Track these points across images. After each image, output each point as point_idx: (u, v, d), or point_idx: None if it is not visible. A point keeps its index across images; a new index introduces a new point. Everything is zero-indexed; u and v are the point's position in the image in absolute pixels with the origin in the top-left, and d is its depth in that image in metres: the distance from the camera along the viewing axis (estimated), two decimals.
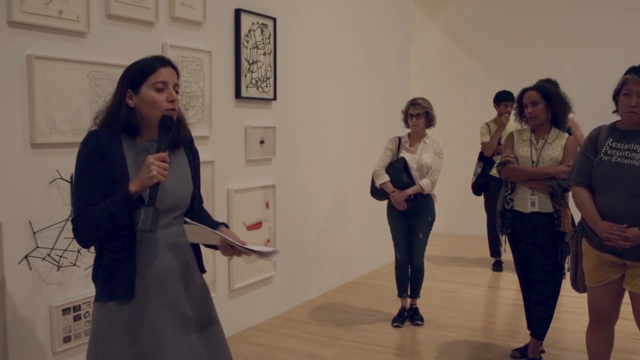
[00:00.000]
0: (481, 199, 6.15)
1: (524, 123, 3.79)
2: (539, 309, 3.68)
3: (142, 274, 1.97)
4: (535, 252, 3.60)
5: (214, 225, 2.18)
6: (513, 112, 3.89)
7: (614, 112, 2.95)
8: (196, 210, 2.19)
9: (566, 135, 3.64)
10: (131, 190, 1.87)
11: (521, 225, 3.63)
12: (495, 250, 6.22)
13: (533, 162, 3.60)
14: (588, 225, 2.92)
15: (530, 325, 3.80)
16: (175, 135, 2.07)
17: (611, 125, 2.95)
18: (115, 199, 1.88)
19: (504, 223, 3.71)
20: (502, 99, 5.77)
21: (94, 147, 1.94)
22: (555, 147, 3.58)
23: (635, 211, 2.73)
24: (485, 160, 5.88)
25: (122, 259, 1.95)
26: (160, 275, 2.00)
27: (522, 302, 3.88)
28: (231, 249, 2.07)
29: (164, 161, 1.89)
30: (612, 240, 2.75)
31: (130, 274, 1.95)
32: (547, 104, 3.58)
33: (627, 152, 2.80)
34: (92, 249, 2.05)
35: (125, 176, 1.93)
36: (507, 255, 6.09)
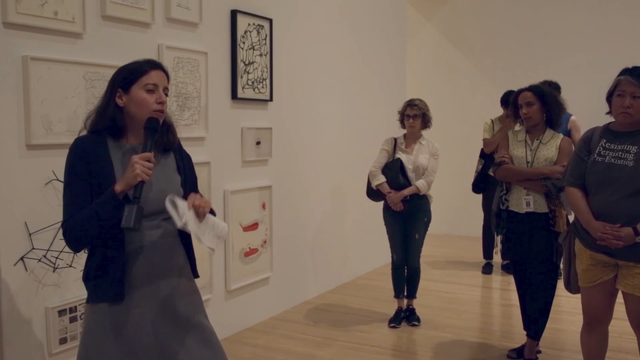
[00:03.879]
0: (478, 199, 6.14)
1: (519, 123, 3.81)
2: (535, 309, 3.68)
3: (131, 274, 1.99)
4: (531, 252, 3.61)
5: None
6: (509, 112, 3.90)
7: (608, 113, 2.96)
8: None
9: (561, 135, 3.66)
10: (116, 190, 1.89)
11: (516, 226, 3.64)
12: (488, 253, 6.21)
13: (528, 162, 3.61)
14: (581, 226, 2.93)
15: (526, 326, 3.81)
16: (165, 140, 2.11)
17: (605, 127, 2.97)
18: (101, 199, 1.90)
19: (499, 223, 3.73)
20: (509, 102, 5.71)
21: (80, 152, 1.98)
22: (550, 147, 3.59)
23: (628, 211, 2.74)
24: (486, 157, 5.86)
25: (111, 260, 1.97)
26: (150, 276, 2.02)
27: (518, 303, 3.89)
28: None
29: (149, 161, 1.91)
30: (605, 239, 2.76)
31: (120, 275, 1.97)
32: (542, 105, 3.59)
33: (620, 152, 2.81)
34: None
35: (112, 179, 1.95)
36: (497, 257, 6.15)
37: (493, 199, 6.29)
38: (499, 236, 3.90)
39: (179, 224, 1.93)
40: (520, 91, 3.67)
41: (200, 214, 1.98)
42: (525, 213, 3.59)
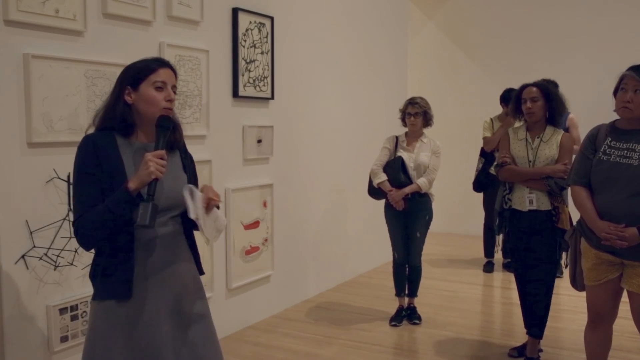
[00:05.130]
0: (479, 198, 6.14)
1: (519, 119, 3.80)
2: (535, 307, 3.68)
3: (138, 271, 2.00)
4: (533, 249, 3.61)
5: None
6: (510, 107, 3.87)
7: (615, 110, 2.94)
8: None
9: (561, 131, 3.65)
10: (130, 187, 1.90)
11: (519, 224, 3.64)
12: (489, 251, 6.21)
13: (530, 161, 3.61)
14: (586, 225, 2.92)
15: (527, 325, 3.81)
16: (171, 138, 2.12)
17: (610, 124, 2.95)
18: (114, 197, 1.90)
19: (501, 222, 3.72)
20: (510, 99, 5.69)
21: (90, 150, 1.98)
22: (551, 145, 3.59)
23: (633, 210, 2.72)
24: (486, 156, 5.86)
25: (120, 257, 1.97)
26: (158, 273, 2.03)
27: (519, 301, 3.88)
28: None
29: (162, 158, 1.92)
30: (609, 239, 2.75)
31: (128, 273, 1.98)
32: (545, 102, 3.59)
33: (625, 151, 2.79)
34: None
35: (123, 176, 1.96)
36: (498, 255, 6.16)
37: (493, 198, 6.25)
38: (501, 235, 3.89)
39: (193, 215, 1.98)
40: (526, 86, 3.66)
41: (209, 207, 2.04)
42: (528, 211, 3.59)
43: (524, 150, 3.64)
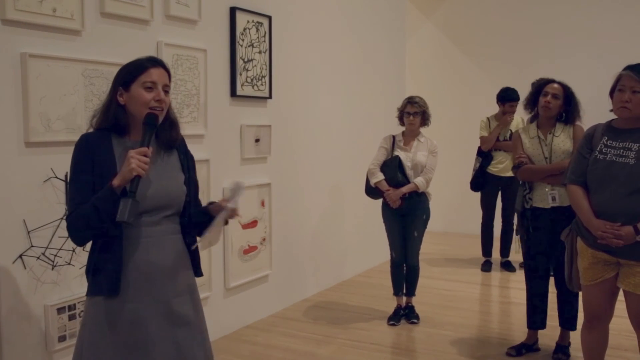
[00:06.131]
0: (476, 197, 6.14)
1: (528, 111, 3.80)
2: (569, 301, 3.71)
3: (129, 269, 2.01)
4: (558, 244, 3.61)
5: (204, 214, 2.19)
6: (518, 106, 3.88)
7: (612, 110, 2.95)
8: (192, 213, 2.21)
9: (571, 124, 3.66)
10: (114, 184, 1.92)
11: (543, 221, 3.64)
12: (487, 250, 6.21)
13: (546, 158, 3.63)
14: (583, 224, 2.92)
15: (530, 322, 3.84)
16: (167, 136, 2.13)
17: (607, 124, 2.96)
18: (100, 194, 1.93)
19: (523, 223, 3.72)
20: (507, 98, 5.71)
21: (85, 148, 2.01)
22: (564, 139, 3.61)
23: (628, 209, 2.73)
24: (483, 155, 5.86)
25: (109, 254, 1.99)
26: (147, 272, 2.03)
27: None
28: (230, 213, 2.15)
29: (145, 156, 1.94)
30: (605, 238, 2.76)
31: (116, 270, 1.99)
32: (563, 102, 3.61)
33: (621, 150, 2.80)
34: (88, 246, 2.08)
35: (115, 174, 1.97)
36: (496, 254, 6.16)
37: (491, 197, 6.22)
38: (518, 235, 3.90)
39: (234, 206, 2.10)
40: (551, 81, 3.68)
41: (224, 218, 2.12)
42: (551, 208, 3.60)
43: (538, 147, 3.66)
